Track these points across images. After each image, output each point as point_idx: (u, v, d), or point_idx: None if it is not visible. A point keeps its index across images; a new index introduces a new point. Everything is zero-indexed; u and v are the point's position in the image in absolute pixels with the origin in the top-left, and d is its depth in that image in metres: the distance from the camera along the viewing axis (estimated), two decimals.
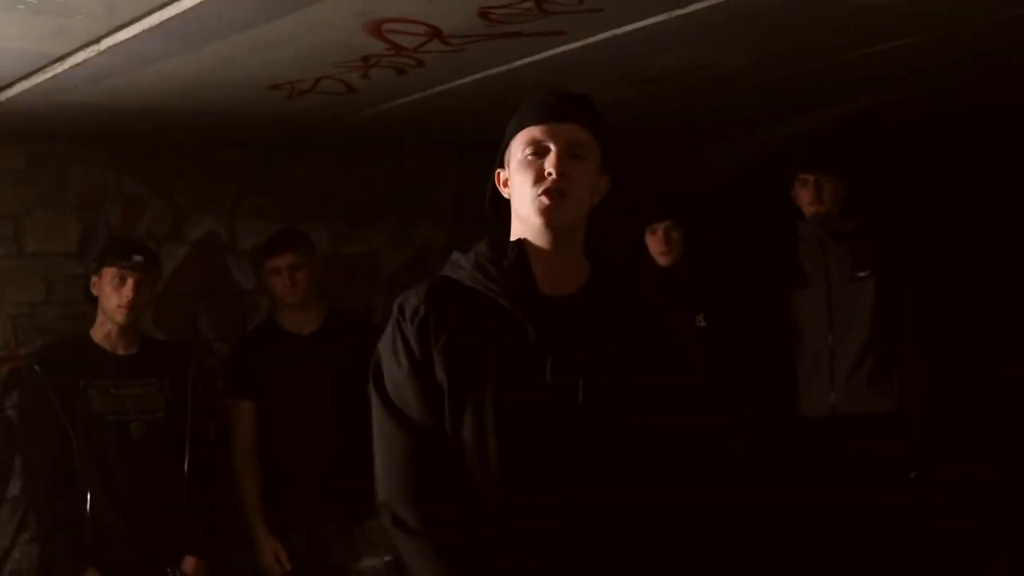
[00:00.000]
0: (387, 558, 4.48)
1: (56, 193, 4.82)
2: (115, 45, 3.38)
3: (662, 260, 4.95)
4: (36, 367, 4.18)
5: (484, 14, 3.48)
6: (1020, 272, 7.25)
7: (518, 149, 2.38)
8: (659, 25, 3.78)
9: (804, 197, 4.87)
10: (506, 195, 2.44)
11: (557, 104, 2.39)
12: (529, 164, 2.35)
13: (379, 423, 2.42)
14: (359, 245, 5.77)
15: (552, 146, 2.33)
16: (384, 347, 2.44)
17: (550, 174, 2.31)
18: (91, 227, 4.89)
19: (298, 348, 4.72)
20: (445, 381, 2.34)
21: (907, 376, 4.68)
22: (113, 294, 4.20)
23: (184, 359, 4.46)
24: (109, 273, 4.22)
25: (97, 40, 3.38)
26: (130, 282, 4.19)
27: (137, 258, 4.21)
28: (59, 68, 3.62)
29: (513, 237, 2.43)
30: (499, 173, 2.47)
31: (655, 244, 4.95)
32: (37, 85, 3.80)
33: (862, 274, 4.75)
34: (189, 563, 4.25)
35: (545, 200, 2.32)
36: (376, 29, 3.54)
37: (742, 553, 4.56)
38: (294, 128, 4.95)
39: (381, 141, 5.57)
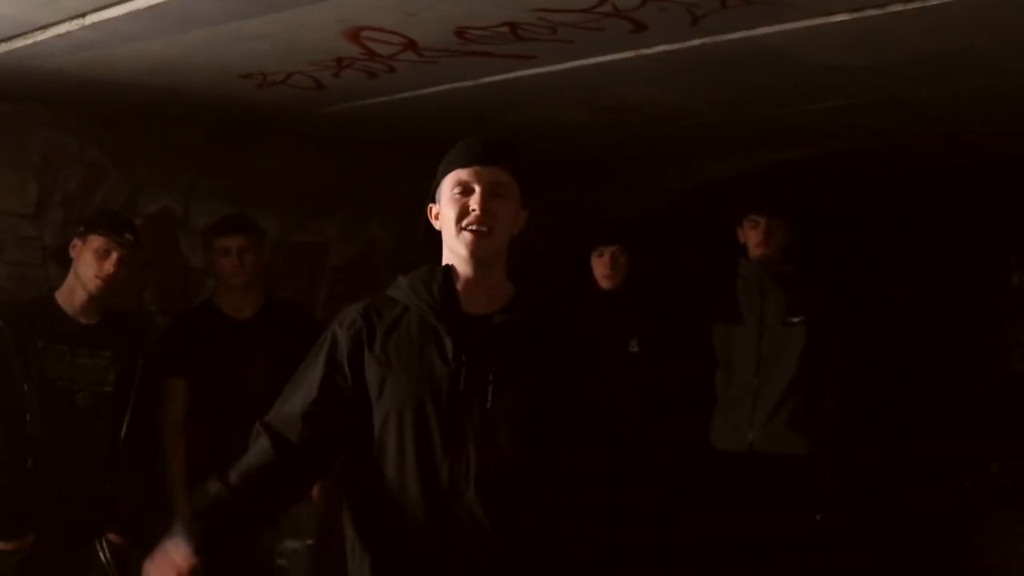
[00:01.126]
0: (309, 541, 4.56)
1: (18, 153, 4.83)
2: (100, 21, 3.47)
3: (605, 283, 5.05)
4: (1, 324, 4.17)
5: (460, 33, 3.62)
6: (943, 330, 7.51)
7: (447, 188, 2.66)
8: (624, 61, 3.93)
9: (752, 238, 4.94)
10: (437, 227, 2.70)
11: (483, 150, 2.66)
12: (456, 201, 2.62)
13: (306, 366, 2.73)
14: (309, 235, 5.83)
15: (476, 186, 2.62)
16: (311, 353, 2.74)
17: (474, 210, 2.59)
18: (49, 190, 4.91)
19: (235, 331, 4.76)
20: (374, 384, 2.63)
21: (823, 422, 4.78)
22: (95, 263, 4.21)
23: (138, 335, 4.49)
24: (96, 241, 4.22)
25: (83, 15, 3.46)
26: (115, 256, 4.20)
27: (128, 236, 4.25)
28: (40, 36, 3.69)
29: (444, 262, 2.69)
30: (431, 208, 2.73)
31: (601, 267, 5.05)
32: (15, 49, 3.86)
33: (795, 319, 4.84)
34: (112, 539, 4.27)
35: (468, 236, 2.60)
36: (354, 35, 3.66)
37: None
38: (259, 115, 5.03)
39: (342, 137, 5.65)
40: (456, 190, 2.63)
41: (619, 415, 3.03)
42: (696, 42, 3.72)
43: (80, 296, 4.26)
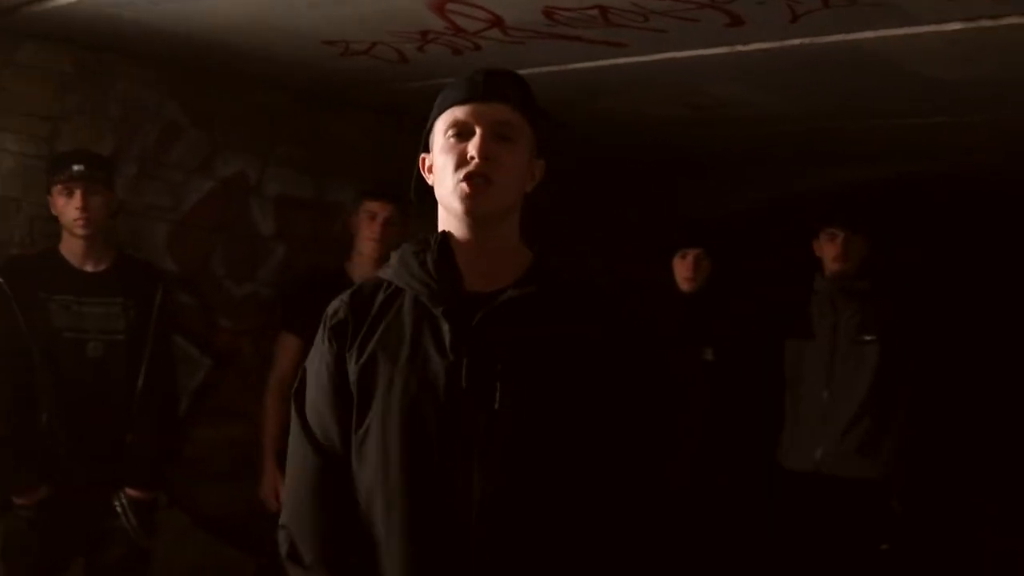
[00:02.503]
0: None
1: (97, 104, 4.80)
2: None
3: (686, 286, 4.95)
4: (0, 280, 4.09)
5: (549, 13, 3.50)
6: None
7: (441, 131, 2.18)
8: (717, 57, 3.80)
9: (829, 251, 4.83)
10: (430, 181, 2.23)
11: (483, 82, 2.18)
12: (451, 147, 2.14)
13: (293, 439, 2.29)
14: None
15: (477, 127, 2.13)
16: (311, 355, 2.32)
17: (472, 157, 2.10)
18: (125, 143, 4.88)
19: None
20: (355, 387, 2.17)
21: (896, 446, 4.64)
22: (65, 209, 4.11)
23: (154, 283, 4.34)
24: (56, 190, 4.12)
25: None
26: (78, 193, 4.08)
27: (77, 167, 4.08)
28: None
29: (440, 228, 2.22)
30: (423, 158, 2.26)
31: (683, 269, 4.96)
32: None
33: (868, 338, 4.71)
34: (130, 493, 4.21)
35: (466, 187, 2.11)
36: (440, 7, 3.56)
37: None
38: (340, 86, 4.96)
39: (422, 114, 5.56)
40: (451, 133, 2.15)
41: (657, 413, 2.78)
42: (794, 42, 3.57)
43: (77, 244, 4.15)
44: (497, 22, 3.67)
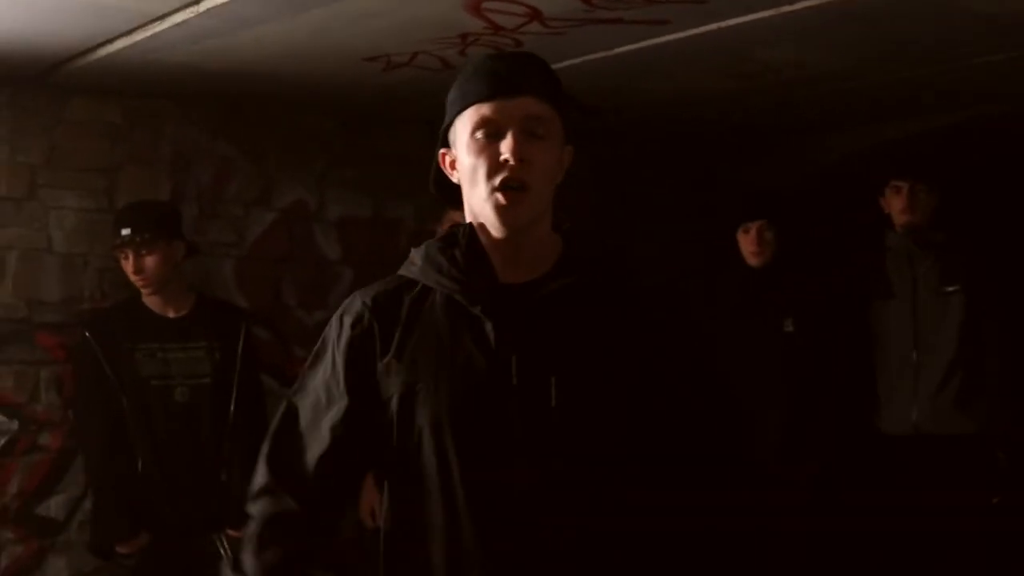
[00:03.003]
0: None
1: (150, 150, 4.85)
2: (214, 7, 3.40)
3: (753, 260, 4.82)
4: (86, 333, 4.17)
5: None
6: None
7: (465, 130, 2.02)
8: (764, 21, 3.71)
9: (896, 205, 4.70)
10: (455, 179, 2.09)
11: (507, 73, 2.01)
12: (481, 148, 1.99)
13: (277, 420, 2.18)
14: (445, 223, 5.75)
15: (507, 127, 1.97)
16: (315, 353, 2.16)
17: (507, 161, 1.96)
18: (182, 186, 4.91)
19: None
20: (396, 397, 2.02)
21: (993, 397, 4.52)
22: (126, 269, 4.18)
23: (236, 322, 4.39)
24: (115, 251, 4.20)
25: (197, 1, 3.39)
26: (131, 256, 4.12)
27: (124, 232, 4.09)
28: (158, 27, 3.65)
29: (466, 219, 2.09)
30: (443, 154, 2.12)
31: (748, 243, 4.82)
32: (137, 43, 3.84)
33: (950, 289, 4.59)
34: (231, 534, 4.23)
35: (501, 199, 1.97)
36: (476, 7, 3.52)
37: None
38: (387, 101, 4.93)
39: None
40: (479, 133, 1.98)
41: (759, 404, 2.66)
42: None
43: (152, 295, 4.21)
44: (535, 15, 3.62)
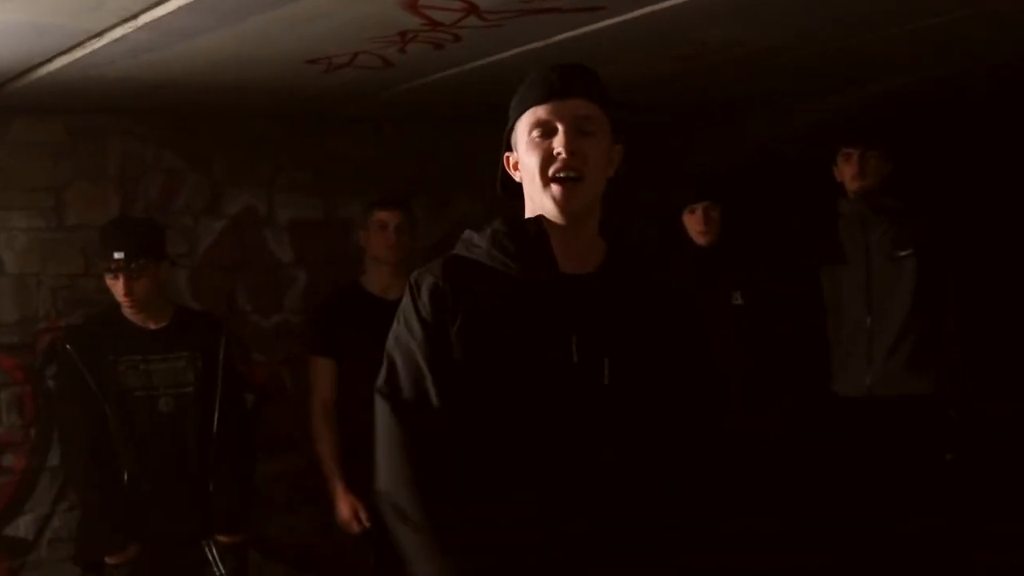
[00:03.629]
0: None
1: (96, 166, 4.85)
2: (152, 21, 3.38)
3: (701, 240, 4.93)
4: (67, 346, 4.19)
5: None
6: None
7: (524, 131, 2.32)
8: (697, 2, 3.74)
9: (847, 172, 4.79)
10: (517, 179, 2.38)
11: (559, 80, 2.30)
12: (537, 145, 2.28)
13: (380, 409, 2.40)
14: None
15: (559, 125, 2.27)
16: (398, 326, 2.40)
17: (559, 154, 2.25)
18: (130, 200, 4.92)
19: (382, 311, 4.70)
20: (464, 361, 2.27)
21: (945, 358, 4.62)
22: (113, 289, 4.19)
23: (216, 331, 4.44)
24: (103, 268, 4.19)
25: (134, 16, 3.38)
26: (121, 279, 4.14)
27: (117, 256, 4.10)
28: (97, 43, 3.63)
29: (529, 215, 2.36)
30: (508, 157, 2.41)
31: (694, 224, 4.93)
32: (76, 60, 3.81)
33: (903, 253, 4.68)
34: (220, 540, 4.27)
35: (558, 188, 2.26)
36: (412, 4, 3.52)
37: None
38: (331, 102, 4.94)
39: (418, 114, 5.55)
40: (535, 132, 2.28)
41: (729, 373, 2.82)
42: None
43: (125, 307, 4.23)
44: (472, 9, 3.63)
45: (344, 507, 4.61)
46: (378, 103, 5.07)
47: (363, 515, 4.58)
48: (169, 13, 3.32)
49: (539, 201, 2.32)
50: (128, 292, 4.14)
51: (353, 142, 5.59)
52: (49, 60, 3.87)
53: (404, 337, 2.37)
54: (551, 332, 2.26)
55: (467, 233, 2.42)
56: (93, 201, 4.82)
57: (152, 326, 4.25)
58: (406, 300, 2.38)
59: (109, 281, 4.18)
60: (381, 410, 2.39)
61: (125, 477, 4.12)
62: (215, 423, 4.25)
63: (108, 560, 4.11)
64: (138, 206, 4.92)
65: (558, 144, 2.25)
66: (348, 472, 4.63)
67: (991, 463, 4.92)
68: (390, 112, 5.37)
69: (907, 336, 4.67)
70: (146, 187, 4.97)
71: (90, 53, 3.73)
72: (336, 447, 4.66)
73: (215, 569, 4.22)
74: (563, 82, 2.30)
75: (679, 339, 2.36)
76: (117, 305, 4.27)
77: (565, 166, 2.25)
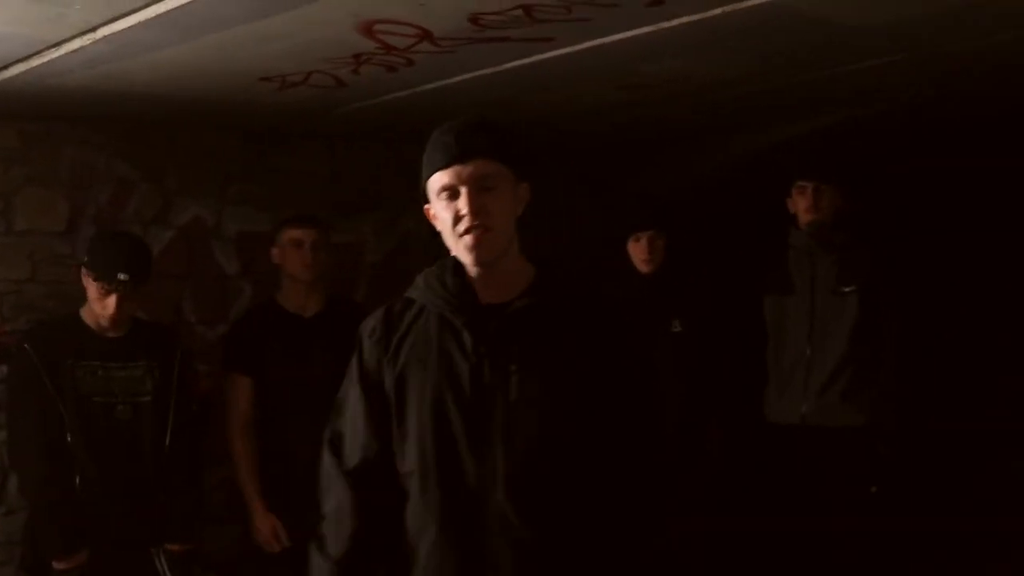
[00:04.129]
0: None
1: (47, 172, 4.85)
2: (112, 34, 3.42)
3: (644, 267, 4.99)
4: (26, 346, 4.19)
5: (474, 19, 3.55)
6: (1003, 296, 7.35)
7: (433, 192, 2.54)
8: (644, 36, 3.84)
9: (801, 204, 4.88)
10: (438, 227, 2.59)
11: (457, 144, 2.51)
12: (446, 207, 2.51)
13: (325, 457, 2.73)
14: (344, 235, 5.82)
15: (461, 188, 2.48)
16: (346, 377, 2.72)
17: (464, 215, 2.48)
18: (80, 207, 4.93)
19: (300, 329, 4.76)
20: (393, 390, 2.58)
21: (880, 393, 4.72)
22: (97, 303, 4.20)
23: (172, 342, 4.47)
24: (92, 283, 4.20)
25: (94, 29, 3.42)
26: (113, 299, 4.17)
27: (122, 277, 4.15)
28: (55, 53, 3.66)
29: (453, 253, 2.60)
30: (427, 209, 2.62)
31: (639, 252, 4.99)
32: (33, 68, 3.84)
33: (847, 289, 4.78)
34: (169, 548, 4.29)
35: (469, 240, 2.49)
36: (368, 29, 3.60)
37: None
38: (284, 118, 5.00)
39: (369, 134, 5.62)
40: (442, 195, 2.52)
41: (665, 399, 2.89)
42: (716, 11, 3.61)
43: (100, 317, 4.25)
44: (426, 35, 3.71)
45: (263, 526, 4.64)
46: (330, 120, 5.13)
47: (282, 534, 4.61)
48: (129, 27, 3.36)
49: (456, 252, 2.55)
50: (118, 309, 4.18)
51: (304, 158, 5.64)
52: (6, 67, 3.90)
53: (347, 390, 2.70)
54: (467, 355, 2.50)
55: (417, 277, 2.66)
56: (42, 207, 4.83)
57: (111, 334, 4.27)
58: (356, 346, 2.68)
59: (92, 291, 4.19)
60: (326, 459, 2.71)
61: (78, 481, 4.12)
62: (168, 433, 4.28)
63: (56, 565, 4.09)
64: (88, 213, 4.94)
65: (463, 205, 2.47)
66: (267, 489, 4.67)
67: (917, 498, 5.03)
68: (342, 129, 5.43)
69: (845, 369, 4.76)
70: (97, 195, 4.99)
71: (48, 62, 3.75)
72: (254, 465, 4.69)
73: None
74: (461, 146, 2.50)
75: (602, 357, 2.52)
76: (76, 311, 4.29)
77: (471, 224, 2.47)
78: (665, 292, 4.96)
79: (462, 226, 2.48)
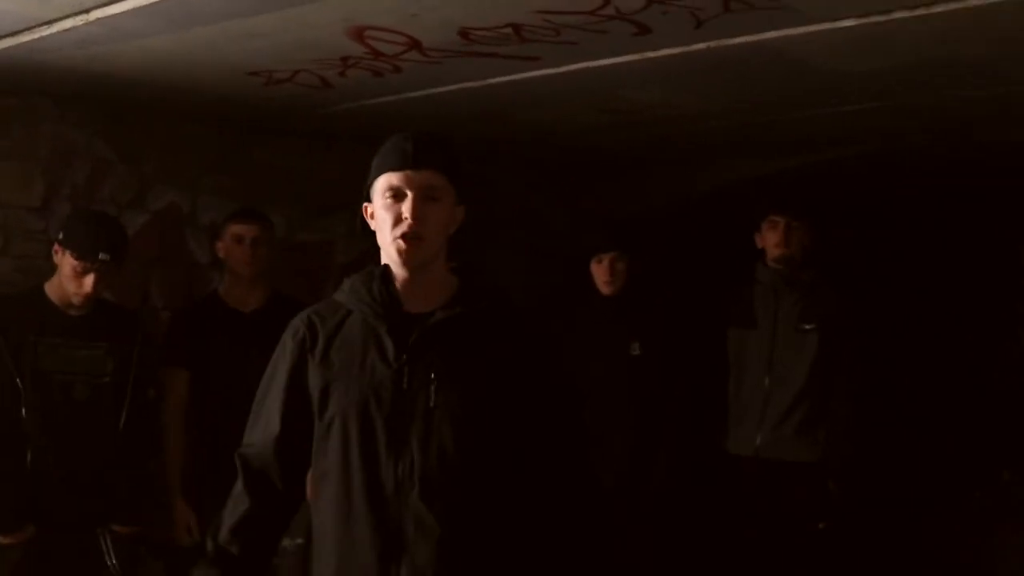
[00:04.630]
0: (299, 540, 4.56)
1: (25, 148, 4.84)
2: (104, 17, 3.47)
3: (606, 289, 5.03)
4: None
5: (464, 34, 3.61)
6: (956, 336, 7.46)
7: (380, 191, 2.61)
8: (629, 64, 3.92)
9: (771, 239, 4.96)
10: (372, 227, 2.66)
11: (414, 151, 2.60)
12: (388, 208, 2.58)
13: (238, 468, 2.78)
14: (316, 233, 5.84)
15: (408, 192, 2.57)
16: (268, 371, 2.79)
17: (406, 218, 2.55)
18: (57, 185, 4.93)
19: (239, 324, 4.76)
20: (317, 389, 2.63)
21: (832, 430, 4.80)
22: (72, 281, 4.17)
23: (133, 325, 4.48)
24: (70, 261, 4.15)
25: (87, 10, 3.46)
26: (91, 278, 4.15)
27: (103, 256, 4.14)
28: (46, 31, 3.69)
29: (382, 261, 2.66)
30: (366, 207, 2.69)
31: (601, 273, 5.02)
32: (22, 44, 3.86)
33: (808, 326, 4.86)
34: (115, 529, 4.29)
35: (402, 243, 2.55)
36: (358, 34, 3.65)
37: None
38: (266, 113, 5.02)
39: (350, 136, 5.65)
40: (388, 195, 2.59)
41: (581, 409, 2.92)
42: (701, 46, 3.70)
43: (68, 293, 4.23)
44: (415, 45, 3.77)
45: (180, 521, 4.65)
46: (313, 119, 5.17)
47: (195, 529, 4.62)
48: (122, 12, 3.40)
49: (387, 251, 2.61)
50: (94, 289, 4.17)
51: (282, 153, 5.65)
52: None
53: (266, 374, 2.78)
54: (389, 362, 2.57)
55: (345, 280, 2.73)
56: (18, 182, 4.80)
57: (74, 312, 4.25)
58: (280, 344, 2.76)
59: (67, 266, 4.16)
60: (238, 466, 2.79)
61: (28, 457, 4.12)
62: (123, 416, 4.29)
63: (1, 540, 4.07)
64: (64, 190, 4.93)
65: (406, 209, 2.56)
66: (200, 482, 4.67)
67: (865, 535, 5.11)
68: (323, 129, 5.46)
69: (800, 405, 4.84)
70: (74, 173, 4.99)
71: (37, 39, 3.77)
72: (179, 459, 4.69)
73: (107, 559, 4.24)
74: (417, 153, 2.59)
75: (518, 367, 2.62)
76: (39, 285, 4.28)
77: (409, 229, 2.55)
78: (625, 315, 5.00)
79: (400, 229, 2.56)
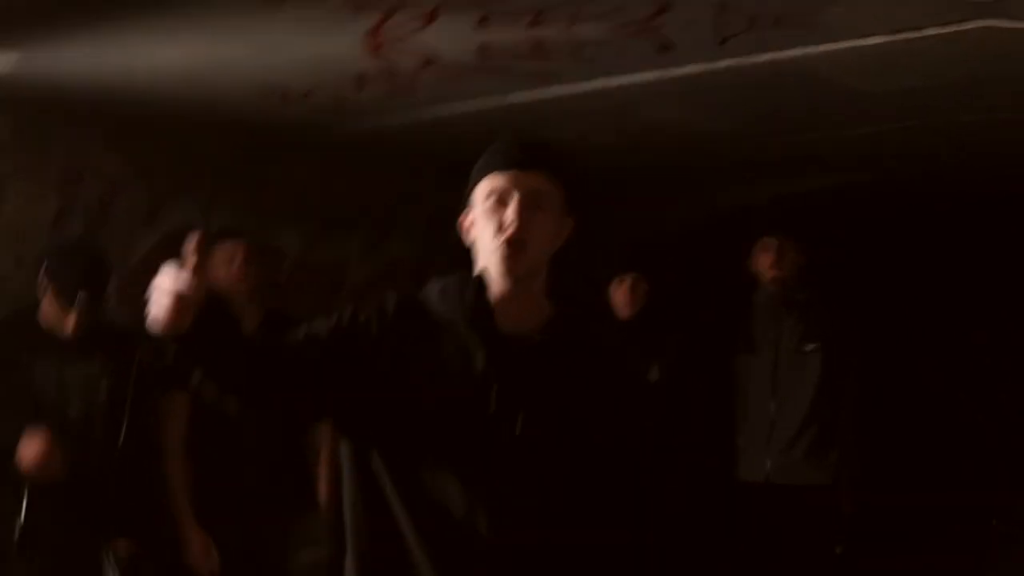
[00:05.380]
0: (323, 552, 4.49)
1: (38, 165, 4.77)
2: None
3: (625, 311, 4.99)
4: None
5: (483, 49, 3.57)
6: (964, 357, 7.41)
7: (482, 195, 2.42)
8: (648, 81, 3.88)
9: (764, 260, 4.91)
10: (472, 236, 2.47)
11: (521, 152, 2.42)
12: (492, 212, 2.39)
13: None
14: (329, 253, 5.80)
15: (515, 194, 2.37)
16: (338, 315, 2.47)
17: (511, 222, 2.36)
18: (69, 201, 4.88)
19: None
20: (379, 385, 2.38)
21: (843, 452, 4.75)
22: (55, 316, 4.13)
23: (131, 344, 4.41)
24: (51, 298, 4.12)
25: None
26: (72, 318, 4.09)
27: (82, 295, 4.05)
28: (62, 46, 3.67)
29: (477, 271, 2.47)
30: (463, 218, 2.50)
31: (620, 295, 4.99)
32: (36, 58, 3.84)
33: (810, 347, 4.81)
34: (121, 545, 4.24)
35: (505, 249, 2.37)
36: (375, 48, 3.61)
37: None
38: (281, 130, 4.99)
39: (365, 154, 5.62)
40: (492, 198, 2.39)
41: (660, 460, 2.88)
42: (723, 63, 3.66)
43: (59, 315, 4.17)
44: (432, 60, 3.73)
45: (197, 548, 4.48)
46: (328, 139, 5.13)
47: (215, 555, 4.51)
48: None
49: (487, 260, 2.42)
50: (78, 326, 4.14)
51: (297, 172, 5.62)
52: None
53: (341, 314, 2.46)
54: (474, 381, 2.37)
55: (431, 281, 2.53)
56: (31, 199, 4.74)
57: (68, 332, 4.22)
58: (358, 306, 2.48)
59: (53, 307, 4.12)
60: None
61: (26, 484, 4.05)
62: (123, 434, 4.22)
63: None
64: (77, 208, 4.86)
65: (511, 213, 2.36)
66: (200, 506, 4.54)
67: (882, 557, 5.04)
68: (337, 147, 5.43)
69: (808, 427, 4.78)
70: (87, 190, 4.92)
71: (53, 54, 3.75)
72: (187, 484, 4.59)
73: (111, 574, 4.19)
74: (524, 154, 2.41)
75: (609, 405, 2.46)
76: (34, 307, 4.24)
77: (514, 235, 2.36)
78: (642, 337, 4.95)
79: (504, 235, 2.36)
